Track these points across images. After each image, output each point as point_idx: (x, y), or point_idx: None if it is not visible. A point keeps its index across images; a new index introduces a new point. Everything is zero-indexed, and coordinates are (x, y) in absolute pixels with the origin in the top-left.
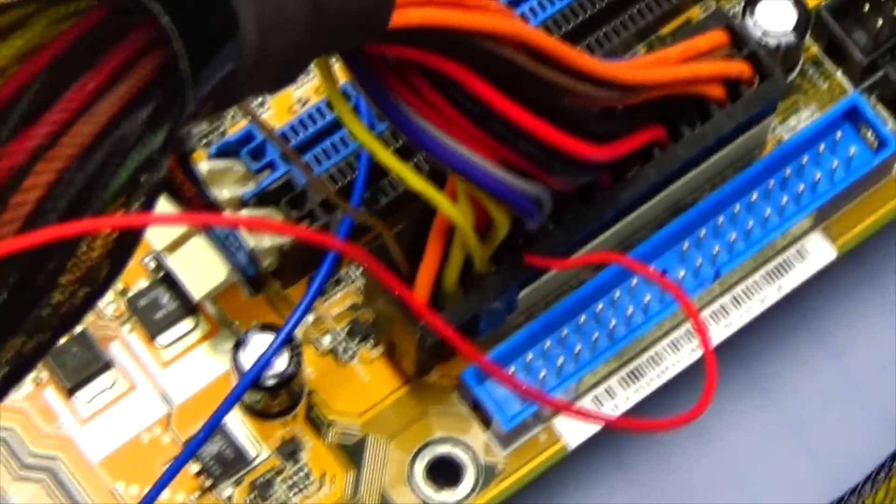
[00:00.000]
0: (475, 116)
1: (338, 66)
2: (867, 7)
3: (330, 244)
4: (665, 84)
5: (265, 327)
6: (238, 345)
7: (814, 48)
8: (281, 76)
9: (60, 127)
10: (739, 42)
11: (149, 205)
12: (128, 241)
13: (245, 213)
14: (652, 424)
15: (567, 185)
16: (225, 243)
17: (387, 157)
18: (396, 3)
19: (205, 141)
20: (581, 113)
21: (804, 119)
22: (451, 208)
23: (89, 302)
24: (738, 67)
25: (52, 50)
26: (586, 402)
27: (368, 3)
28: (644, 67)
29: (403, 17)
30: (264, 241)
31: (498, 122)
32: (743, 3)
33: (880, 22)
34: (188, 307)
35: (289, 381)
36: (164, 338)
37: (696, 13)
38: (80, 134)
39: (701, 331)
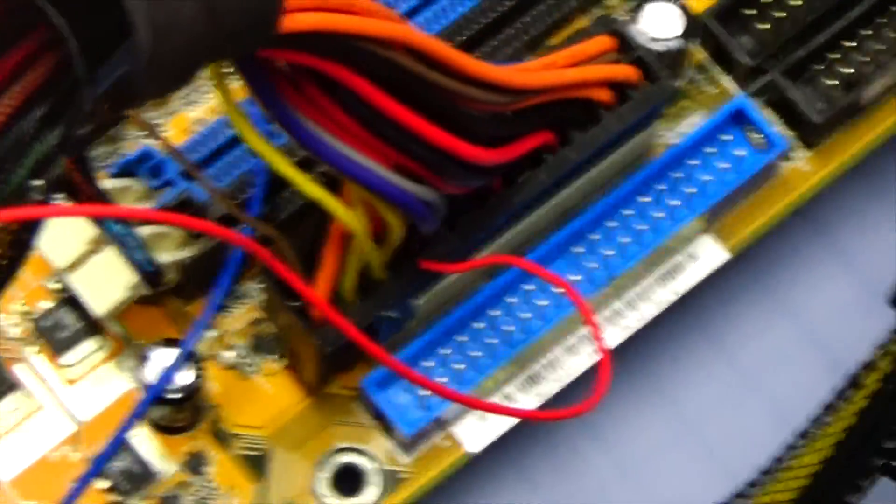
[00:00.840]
0: (367, 121)
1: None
2: (752, 12)
3: (235, 239)
4: (552, 87)
5: (168, 342)
6: (141, 360)
7: (701, 54)
8: (175, 78)
9: None
10: (626, 47)
11: (46, 202)
12: (25, 237)
13: (146, 230)
14: (550, 415)
15: (459, 189)
16: (123, 241)
17: (282, 165)
18: (287, 8)
19: (106, 161)
20: (472, 117)
21: (692, 124)
22: (346, 214)
23: None
24: (625, 71)
25: None
26: None
27: (260, 7)
28: (532, 71)
29: (294, 21)
30: (164, 256)
31: (389, 126)
32: (630, 10)
33: (765, 26)
34: (92, 326)
35: (192, 394)
36: (68, 357)
37: (583, 24)
38: None
39: (591, 322)
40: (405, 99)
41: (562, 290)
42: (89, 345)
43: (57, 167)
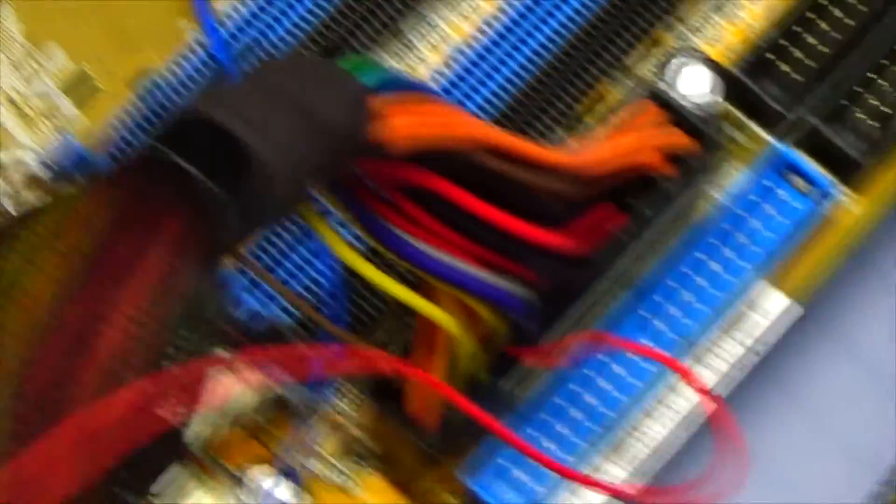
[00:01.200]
0: (455, 222)
1: None
2: (780, 61)
3: (390, 367)
4: (625, 170)
5: (260, 463)
6: (239, 484)
7: (731, 106)
8: (289, 205)
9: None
10: (669, 111)
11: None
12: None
13: None
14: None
15: (547, 282)
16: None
17: (381, 278)
18: (379, 120)
19: None
20: (541, 202)
21: (730, 176)
22: (450, 322)
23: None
24: (684, 142)
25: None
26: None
27: (353, 129)
28: (603, 157)
29: (388, 132)
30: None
31: (478, 224)
32: (658, 72)
33: (795, 75)
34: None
35: None
36: (156, 486)
37: (608, 90)
38: (137, 294)
39: (709, 395)
40: (483, 195)
41: (663, 363)
42: (174, 470)
43: (217, 312)
